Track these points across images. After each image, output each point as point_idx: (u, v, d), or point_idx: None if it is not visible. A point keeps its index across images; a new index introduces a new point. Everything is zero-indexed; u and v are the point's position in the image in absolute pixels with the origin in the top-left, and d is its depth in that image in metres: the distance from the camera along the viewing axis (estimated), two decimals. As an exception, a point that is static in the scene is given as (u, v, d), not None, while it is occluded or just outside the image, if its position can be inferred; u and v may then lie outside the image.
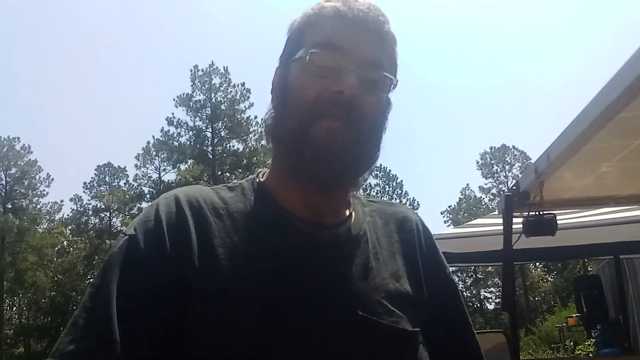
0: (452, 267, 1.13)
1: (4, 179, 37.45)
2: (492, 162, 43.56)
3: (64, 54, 59.87)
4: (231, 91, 36.83)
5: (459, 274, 38.43)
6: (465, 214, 40.99)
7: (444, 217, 45.19)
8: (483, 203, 43.25)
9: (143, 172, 39.80)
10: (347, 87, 0.89)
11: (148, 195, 38.77)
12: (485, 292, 41.00)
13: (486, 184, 43.82)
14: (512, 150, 43.08)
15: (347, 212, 1.02)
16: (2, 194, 37.29)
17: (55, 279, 37.48)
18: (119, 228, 39.67)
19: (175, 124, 36.65)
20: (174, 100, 36.65)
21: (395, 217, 1.08)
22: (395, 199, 40.27)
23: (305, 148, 0.90)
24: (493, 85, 61.57)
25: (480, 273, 39.88)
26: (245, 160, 35.81)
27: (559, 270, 36.36)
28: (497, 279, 37.13)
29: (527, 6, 58.08)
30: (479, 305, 39.63)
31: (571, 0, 61.02)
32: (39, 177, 38.79)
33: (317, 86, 0.91)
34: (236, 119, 36.42)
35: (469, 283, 40.44)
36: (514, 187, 3.40)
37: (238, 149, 36.97)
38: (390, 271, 0.98)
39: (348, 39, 0.93)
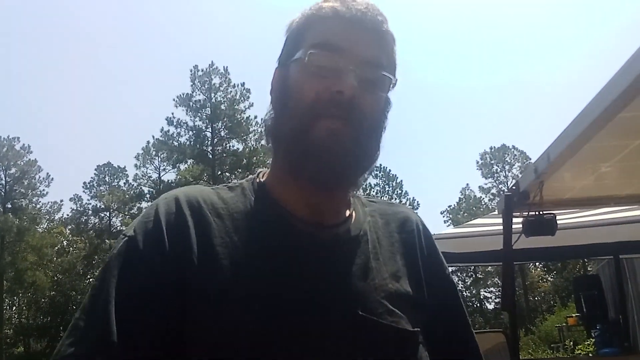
0: (451, 267, 1.13)
1: (3, 178, 37.45)
2: (492, 162, 43.56)
3: (64, 54, 59.91)
4: (231, 91, 36.84)
5: (459, 274, 38.44)
6: (465, 214, 40.99)
7: (443, 217, 45.26)
8: (483, 203, 43.26)
9: (143, 172, 39.85)
10: (346, 87, 0.89)
11: (148, 195, 38.78)
12: (485, 292, 41.05)
13: (486, 184, 43.87)
14: (512, 150, 43.10)
15: (348, 212, 1.02)
16: (2, 193, 37.28)
17: (55, 278, 37.47)
18: (118, 228, 39.69)
19: (175, 123, 36.65)
20: (173, 100, 36.69)
21: (395, 217, 1.08)
22: (395, 198, 40.26)
23: (306, 148, 0.90)
24: (494, 85, 61.60)
25: (480, 273, 39.88)
26: (245, 160, 35.80)
27: (558, 270, 36.37)
28: (496, 279, 37.13)
29: (528, 7, 58.14)
30: (478, 305, 39.63)
31: (573, 2, 61.05)
32: (39, 177, 38.82)
33: (316, 87, 0.91)
34: (236, 118, 36.42)
35: (468, 283, 40.44)
36: (514, 187, 3.40)
37: (238, 148, 36.98)
38: (391, 271, 0.98)
39: (346, 39, 0.93)
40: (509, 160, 43.09)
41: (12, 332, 35.94)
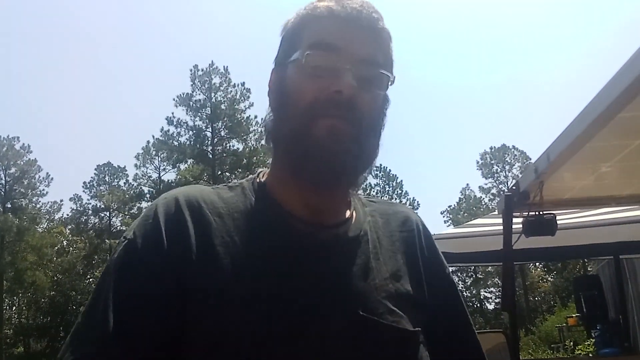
0: (452, 267, 1.13)
1: (3, 178, 37.46)
2: (492, 162, 43.58)
3: (64, 54, 59.94)
4: (231, 91, 36.86)
5: (459, 274, 38.46)
6: (465, 214, 41.01)
7: (443, 217, 45.28)
8: (483, 203, 43.27)
9: (143, 171, 39.88)
10: (345, 87, 0.89)
11: (148, 195, 38.81)
12: (485, 292, 41.07)
13: (486, 184, 43.89)
14: (512, 150, 43.12)
15: (348, 213, 1.02)
16: (2, 193, 37.29)
17: (55, 278, 37.49)
18: (118, 228, 39.72)
19: (175, 123, 36.68)
20: (173, 100, 36.72)
21: (395, 217, 1.08)
22: (395, 198, 40.27)
23: (306, 148, 0.90)
24: (493, 85, 61.67)
25: (480, 273, 39.89)
26: (245, 160, 35.82)
27: (558, 270, 36.38)
28: (497, 279, 37.14)
29: (527, 6, 58.15)
30: (478, 305, 39.65)
31: (571, 1, 61.10)
32: (39, 177, 38.84)
33: (315, 87, 0.91)
34: (236, 118, 36.43)
35: (469, 283, 40.46)
36: (514, 187, 3.40)
37: (238, 148, 37.00)
38: (391, 271, 0.98)
39: (343, 38, 0.93)
40: (509, 160, 43.13)
41: (12, 332, 35.96)
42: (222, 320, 0.83)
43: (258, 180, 1.02)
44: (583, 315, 6.59)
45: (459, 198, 45.65)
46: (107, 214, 41.42)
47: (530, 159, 37.92)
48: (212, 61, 37.18)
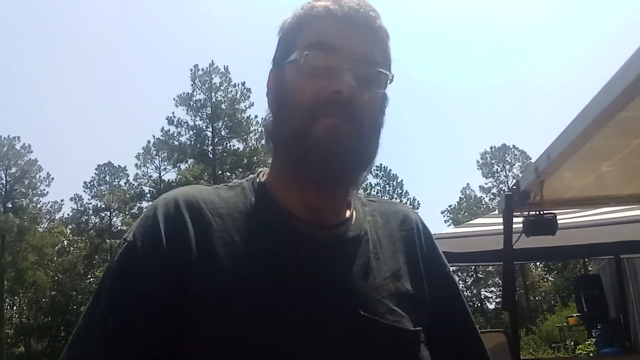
0: (452, 266, 1.13)
1: (4, 178, 37.47)
2: (493, 161, 43.57)
3: (64, 54, 59.93)
4: (231, 90, 36.85)
5: (460, 274, 38.43)
6: (466, 214, 41.01)
7: (444, 216, 45.28)
8: (483, 202, 43.26)
9: (143, 171, 39.89)
10: (344, 87, 0.89)
11: (148, 195, 38.82)
12: (486, 291, 41.05)
13: (486, 184, 43.88)
14: (513, 149, 43.10)
15: (348, 213, 1.02)
16: (3, 193, 37.30)
17: (56, 278, 37.50)
18: (119, 227, 39.75)
19: (175, 123, 36.67)
20: (174, 99, 36.71)
21: (395, 216, 1.08)
22: (396, 198, 40.26)
23: (306, 148, 0.90)
24: (493, 85, 61.66)
25: (480, 272, 39.88)
26: (245, 160, 35.81)
27: (559, 269, 36.37)
28: (497, 279, 37.12)
29: (527, 6, 58.12)
30: (479, 304, 39.62)
31: (571, 1, 61.06)
32: (39, 177, 38.84)
33: (314, 88, 0.91)
34: (236, 118, 36.43)
35: (469, 283, 40.45)
36: (514, 187, 3.40)
37: (238, 148, 36.99)
38: (391, 271, 0.98)
39: (341, 38, 0.93)
40: (510, 160, 43.12)
41: (12, 332, 35.94)
42: (223, 321, 0.83)
43: (258, 180, 1.02)
44: (584, 315, 6.59)
45: (460, 197, 45.70)
46: (108, 213, 41.45)
47: (530, 159, 37.94)
48: (212, 61, 37.22)
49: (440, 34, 64.23)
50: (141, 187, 40.47)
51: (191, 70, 36.81)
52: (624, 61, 1.97)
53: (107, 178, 42.69)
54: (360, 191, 1.10)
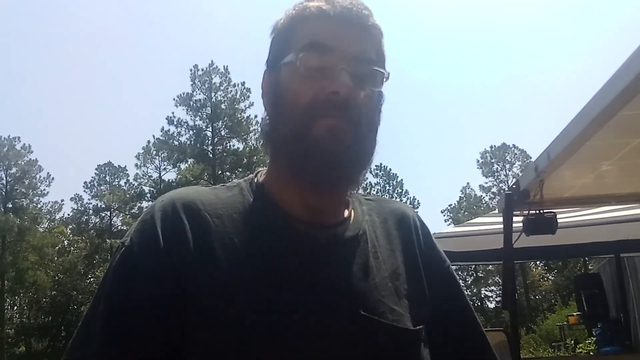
0: (452, 265, 1.12)
1: (4, 178, 37.47)
2: (493, 160, 43.56)
3: (64, 54, 59.92)
4: (231, 90, 36.82)
5: (460, 273, 38.36)
6: (466, 213, 40.99)
7: (444, 215, 45.27)
8: (483, 202, 43.25)
9: (143, 171, 39.89)
10: (341, 87, 0.89)
11: (148, 195, 38.81)
12: (486, 290, 41.04)
13: (486, 183, 43.87)
14: (513, 149, 43.09)
15: (346, 212, 1.01)
16: (3, 193, 37.30)
17: (56, 278, 37.49)
18: (119, 227, 39.76)
19: (175, 123, 36.65)
20: (174, 99, 36.67)
21: (393, 214, 1.08)
22: (396, 197, 40.24)
23: (306, 149, 0.89)
24: (493, 84, 61.60)
25: (480, 272, 39.87)
26: (245, 160, 35.80)
27: (559, 268, 36.34)
28: (497, 278, 37.10)
29: (527, 6, 58.10)
30: (479, 304, 39.60)
31: (571, 1, 61.03)
32: (40, 177, 38.84)
33: (311, 89, 0.91)
34: (236, 118, 36.40)
35: (469, 282, 40.43)
36: (514, 186, 3.41)
37: (238, 148, 36.96)
38: (390, 270, 0.98)
39: (335, 38, 0.92)
40: (510, 159, 43.10)
41: (13, 332, 35.94)
42: (222, 321, 0.83)
43: (256, 180, 1.02)
44: (584, 314, 6.59)
45: (460, 197, 45.68)
46: (108, 213, 41.45)
47: (530, 158, 37.94)
48: (212, 61, 37.20)
49: (440, 34, 64.32)
50: (141, 187, 40.50)
51: (191, 70, 36.82)
52: (624, 61, 1.97)
53: (107, 178, 42.70)
54: (360, 190, 1.10)
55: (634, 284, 6.98)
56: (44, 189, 39.22)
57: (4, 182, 37.39)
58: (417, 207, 40.08)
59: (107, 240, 37.70)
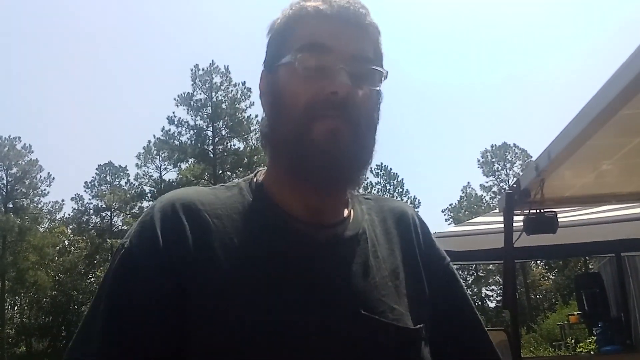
0: (453, 265, 1.12)
1: (5, 178, 37.50)
2: (493, 160, 43.56)
3: (64, 54, 59.93)
4: (232, 90, 36.82)
5: (460, 272, 38.19)
6: (466, 212, 40.99)
7: (445, 215, 45.26)
8: (484, 201, 43.23)
9: (144, 171, 39.88)
10: (340, 87, 0.89)
11: (149, 194, 38.81)
12: (487, 290, 41.02)
13: (487, 182, 43.87)
14: (513, 148, 43.08)
15: (346, 211, 1.01)
16: (3, 193, 37.32)
17: (57, 278, 37.50)
18: (120, 227, 39.76)
19: (176, 123, 36.65)
20: (174, 99, 36.68)
21: (392, 213, 1.08)
22: (397, 197, 40.22)
23: (305, 151, 0.89)
24: (493, 84, 61.57)
25: (481, 271, 39.87)
26: (246, 159, 35.79)
27: (560, 268, 36.34)
28: (498, 277, 37.08)
29: (527, 6, 58.07)
30: (480, 303, 39.58)
31: (571, 1, 61.00)
32: (40, 177, 38.88)
33: (309, 90, 0.90)
34: (237, 117, 36.41)
35: (470, 281, 40.42)
36: (515, 185, 3.41)
37: (239, 147, 36.97)
38: (390, 269, 0.98)
39: (333, 37, 0.92)
40: (510, 159, 43.10)
41: (14, 332, 35.96)
42: (223, 321, 0.83)
43: (255, 180, 1.01)
44: (584, 313, 6.59)
45: (460, 196, 45.68)
46: (109, 213, 41.45)
47: (531, 157, 37.92)
48: (212, 60, 37.18)
49: (440, 34, 64.27)
50: (142, 187, 40.49)
51: (191, 70, 36.83)
52: (624, 60, 1.97)
53: (108, 178, 42.72)
54: (361, 190, 1.10)
55: (634, 283, 6.97)
56: (45, 189, 39.31)
57: (5, 182, 37.43)
58: (418, 207, 40.11)
59: (108, 240, 37.70)
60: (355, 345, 0.87)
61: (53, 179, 39.46)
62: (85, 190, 42.21)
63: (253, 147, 35.95)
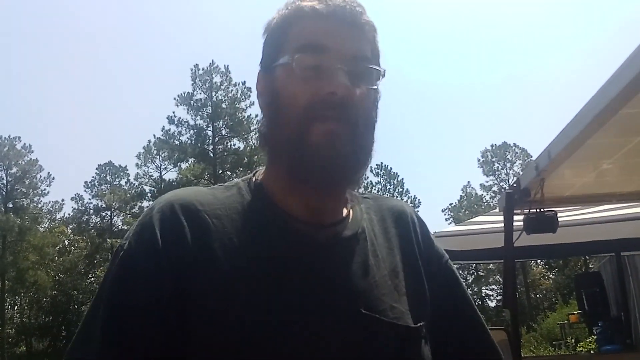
0: (453, 264, 1.12)
1: (5, 178, 37.50)
2: (493, 159, 43.55)
3: (64, 54, 59.90)
4: (232, 90, 36.83)
5: (461, 272, 38.31)
6: (467, 212, 40.99)
7: (445, 214, 45.25)
8: (484, 201, 43.22)
9: (144, 170, 39.87)
10: (339, 88, 0.88)
11: (149, 194, 38.80)
12: (487, 289, 41.01)
13: (487, 182, 43.86)
14: (513, 147, 43.07)
15: (345, 211, 1.01)
16: (3, 193, 37.33)
17: (57, 278, 37.50)
18: (120, 227, 39.75)
19: (176, 122, 36.66)
20: (174, 99, 36.69)
21: (390, 212, 1.08)
22: (397, 196, 40.19)
23: (304, 154, 0.89)
24: (493, 84, 61.58)
25: (481, 270, 39.87)
26: (246, 159, 35.79)
27: (560, 267, 36.34)
28: (498, 277, 37.06)
29: (527, 6, 58.06)
30: (480, 302, 39.58)
31: (571, 1, 60.98)
32: (40, 177, 38.88)
33: (307, 90, 0.90)
34: (237, 117, 36.41)
35: (470, 280, 40.41)
36: (515, 185, 3.41)
37: (239, 147, 36.97)
38: (389, 268, 0.98)
39: (330, 37, 0.92)
40: (510, 158, 43.09)
41: (14, 332, 35.96)
42: (223, 321, 0.83)
43: (254, 179, 1.01)
44: (585, 313, 6.61)
45: (460, 196, 45.67)
46: (109, 213, 41.44)
47: (531, 157, 37.91)
48: (212, 60, 37.22)
49: (440, 34, 64.23)
50: (142, 187, 40.48)
51: (191, 69, 36.84)
52: (624, 60, 1.97)
53: (108, 177, 42.70)
54: (362, 190, 1.10)
55: (634, 283, 6.98)
56: (45, 189, 39.31)
57: (5, 181, 37.43)
58: (418, 206, 40.10)
59: (108, 240, 37.69)
60: (356, 344, 0.87)
61: (53, 178, 39.51)
62: (85, 190, 42.27)
63: (253, 147, 35.94)
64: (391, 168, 42.77)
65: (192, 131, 36.68)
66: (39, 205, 39.74)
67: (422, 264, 1.04)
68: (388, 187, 42.50)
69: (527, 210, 3.37)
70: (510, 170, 42.52)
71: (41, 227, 39.51)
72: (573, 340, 15.97)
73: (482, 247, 5.32)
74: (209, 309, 0.84)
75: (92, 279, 37.03)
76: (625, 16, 47.86)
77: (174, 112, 36.81)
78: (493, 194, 42.00)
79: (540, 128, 52.11)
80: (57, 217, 42.19)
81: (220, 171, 35.98)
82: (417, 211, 1.14)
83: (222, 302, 0.84)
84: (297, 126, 0.90)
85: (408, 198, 41.43)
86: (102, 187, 42.08)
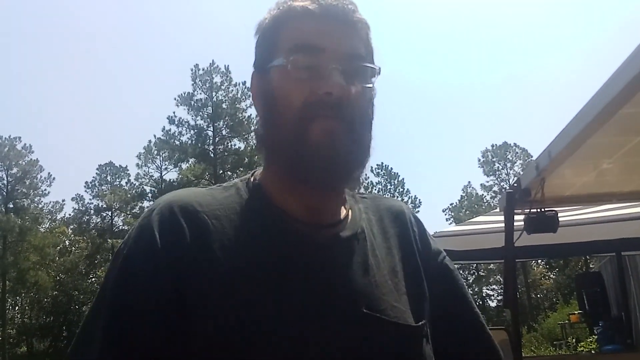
0: (452, 262, 1.12)
1: (5, 178, 37.52)
2: (494, 159, 43.55)
3: (64, 54, 59.93)
4: (232, 90, 36.85)
5: (461, 272, 38.23)
6: (467, 212, 40.98)
7: (445, 214, 45.25)
8: (485, 200, 43.22)
9: (145, 171, 39.91)
10: (334, 88, 0.88)
11: (150, 194, 38.83)
12: (487, 289, 41.01)
13: (488, 182, 43.85)
14: (514, 147, 43.07)
15: (344, 211, 1.01)
16: (4, 193, 37.35)
17: (57, 278, 37.54)
18: (120, 227, 39.79)
19: (176, 122, 36.69)
20: (175, 99, 36.73)
21: (388, 212, 1.08)
22: (397, 197, 40.21)
23: (302, 153, 0.89)
24: (493, 84, 61.56)
25: (482, 270, 39.86)
26: (247, 159, 35.79)
27: (560, 267, 36.33)
28: (498, 277, 37.05)
29: (527, 6, 58.04)
30: (480, 302, 39.59)
31: (571, 1, 60.98)
32: (41, 177, 38.91)
33: (303, 91, 0.90)
34: (237, 117, 36.43)
35: (470, 280, 40.42)
36: (516, 185, 3.41)
37: (239, 147, 36.99)
38: (389, 267, 0.98)
39: (324, 37, 0.92)
40: (511, 158, 43.09)
41: (15, 332, 36.00)
42: (223, 322, 0.83)
43: (253, 180, 1.01)
44: (585, 312, 6.60)
45: (461, 196, 45.67)
46: (109, 213, 41.45)
47: (531, 157, 37.90)
48: (212, 60, 37.26)
49: (440, 34, 64.21)
50: (142, 187, 40.52)
51: (192, 69, 36.87)
52: (624, 60, 1.97)
53: (109, 178, 42.72)
54: (362, 190, 1.10)
55: (635, 283, 6.98)
56: (45, 189, 39.34)
57: (5, 182, 37.46)
58: (419, 206, 40.10)
59: (109, 240, 37.71)
60: (358, 343, 0.87)
61: (53, 179, 39.55)
62: (85, 190, 42.29)
63: (254, 147, 35.82)
64: (392, 168, 42.81)
65: (192, 131, 36.72)
66: (40, 206, 39.82)
67: (420, 263, 1.04)
68: (388, 187, 42.50)
69: (528, 210, 3.37)
70: (510, 170, 42.55)
71: (42, 227, 39.56)
72: (574, 340, 15.97)
73: (482, 247, 5.32)
74: (208, 310, 0.84)
75: (93, 279, 37.07)
76: (625, 16, 47.90)
77: (174, 112, 36.89)
78: (493, 194, 42.00)
79: (541, 128, 52.16)
80: (58, 217, 42.30)
81: (221, 171, 36.00)
82: (418, 211, 1.15)
83: (222, 303, 0.84)
84: (294, 126, 0.90)
85: (408, 198, 41.41)
86: (103, 187, 42.11)
